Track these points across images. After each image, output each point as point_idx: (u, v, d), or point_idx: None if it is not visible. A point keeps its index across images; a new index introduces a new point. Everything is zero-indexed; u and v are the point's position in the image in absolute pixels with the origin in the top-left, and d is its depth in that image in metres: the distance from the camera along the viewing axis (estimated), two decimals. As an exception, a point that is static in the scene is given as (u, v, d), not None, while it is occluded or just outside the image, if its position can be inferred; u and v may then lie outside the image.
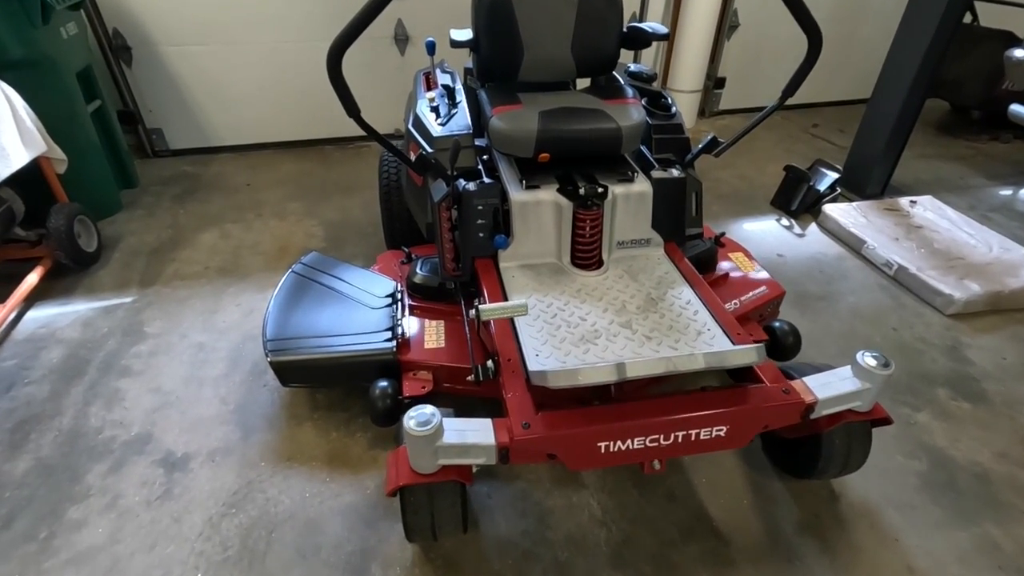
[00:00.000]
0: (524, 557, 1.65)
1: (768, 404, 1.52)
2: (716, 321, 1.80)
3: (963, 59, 4.42)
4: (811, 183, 3.40)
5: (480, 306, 1.49)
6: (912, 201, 3.41)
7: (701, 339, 1.73)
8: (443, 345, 2.03)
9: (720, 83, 4.90)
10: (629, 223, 2.08)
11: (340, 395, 2.17)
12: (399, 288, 2.24)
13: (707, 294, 1.91)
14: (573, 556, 1.66)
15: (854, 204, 3.38)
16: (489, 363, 1.69)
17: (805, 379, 1.59)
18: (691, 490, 1.85)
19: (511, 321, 1.80)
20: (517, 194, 1.99)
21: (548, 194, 2.00)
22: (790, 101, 2.00)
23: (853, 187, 3.66)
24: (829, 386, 1.57)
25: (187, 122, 4.03)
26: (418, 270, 2.24)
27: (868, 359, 1.55)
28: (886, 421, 1.64)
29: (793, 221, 3.42)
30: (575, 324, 1.78)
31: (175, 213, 3.39)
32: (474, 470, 1.60)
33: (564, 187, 2.02)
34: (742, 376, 1.67)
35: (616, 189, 2.03)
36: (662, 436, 1.48)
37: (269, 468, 1.90)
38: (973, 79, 4.45)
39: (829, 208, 3.33)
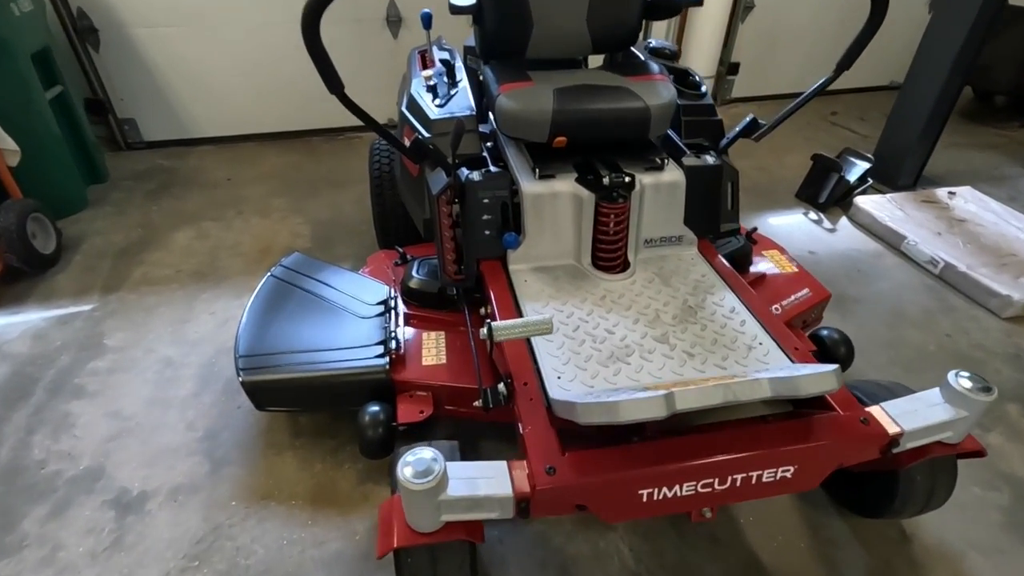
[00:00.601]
0: (545, 619, 1.38)
1: (844, 438, 1.25)
2: (767, 332, 1.53)
3: (992, 42, 4.15)
4: (842, 173, 3.13)
5: (492, 323, 1.21)
6: (951, 192, 3.14)
7: (753, 355, 1.46)
8: (444, 361, 1.75)
9: (734, 69, 4.60)
10: (659, 218, 1.80)
11: (326, 418, 1.88)
12: (393, 294, 1.95)
13: (752, 300, 1.64)
14: (603, 618, 1.39)
15: (887, 196, 3.11)
16: (500, 387, 1.41)
17: (884, 405, 1.32)
18: (738, 531, 1.58)
19: (527, 338, 1.52)
20: (529, 185, 1.71)
21: (566, 185, 1.72)
22: (804, 88, 1.76)
23: (884, 178, 3.39)
24: (915, 415, 1.29)
25: (162, 112, 3.72)
26: (414, 273, 1.96)
27: (963, 381, 1.28)
28: (978, 453, 1.37)
29: (822, 215, 3.15)
30: (601, 339, 1.50)
31: (147, 211, 3.09)
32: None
33: (583, 177, 1.74)
34: (808, 401, 1.40)
35: (644, 179, 1.74)
36: (716, 480, 1.20)
37: (241, 509, 1.61)
38: (1004, 63, 4.18)
39: (861, 200, 3.06)
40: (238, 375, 1.67)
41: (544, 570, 1.48)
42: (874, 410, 1.31)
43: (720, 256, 1.83)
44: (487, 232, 1.76)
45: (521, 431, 1.26)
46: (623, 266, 1.77)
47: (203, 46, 3.55)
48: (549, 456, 1.18)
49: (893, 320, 2.37)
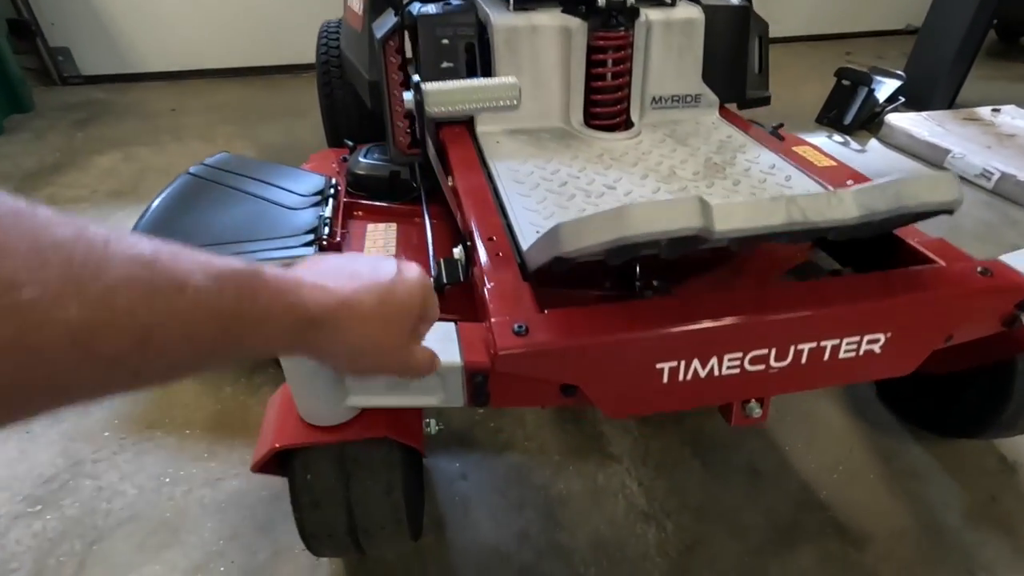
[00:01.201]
0: (521, 577, 0.97)
1: (958, 293, 0.84)
2: (825, 188, 1.13)
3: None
4: (871, 87, 2.73)
5: (424, 84, 0.80)
6: (995, 109, 2.75)
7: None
8: (394, 253, 1.34)
9: None
10: (670, 69, 1.39)
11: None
12: (333, 183, 1.54)
13: (800, 161, 1.23)
14: (606, 574, 0.98)
15: (924, 114, 2.72)
16: (457, 251, 1.01)
17: (1008, 257, 0.91)
18: (783, 461, 1.17)
19: (492, 184, 1.11)
20: (502, 18, 1.30)
21: (549, 17, 1.31)
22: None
23: (914, 103, 3.00)
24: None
25: (102, 41, 3.29)
26: (361, 158, 1.55)
27: None
28: None
29: (848, 137, 2.76)
30: (599, 193, 1.10)
31: (71, 137, 2.66)
32: (431, 430, 0.91)
33: (572, 6, 1.33)
34: (879, 261, 0.99)
35: (651, 14, 1.34)
36: (773, 351, 0.80)
37: (115, 441, 1.20)
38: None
39: (894, 119, 2.67)
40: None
41: (521, 513, 1.07)
42: (994, 264, 0.90)
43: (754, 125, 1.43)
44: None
45: (481, 290, 0.85)
46: (625, 125, 1.37)
47: (145, -37, 3.14)
48: (519, 313, 0.77)
49: (952, 236, 1.95)
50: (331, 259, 0.50)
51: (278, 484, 1.10)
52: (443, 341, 0.74)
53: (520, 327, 0.74)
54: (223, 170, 1.68)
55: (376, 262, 0.50)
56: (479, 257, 0.91)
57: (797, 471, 1.15)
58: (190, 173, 1.66)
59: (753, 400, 0.87)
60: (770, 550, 1.02)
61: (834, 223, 0.73)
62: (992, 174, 2.23)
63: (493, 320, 0.75)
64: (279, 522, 1.05)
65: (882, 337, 0.82)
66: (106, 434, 1.21)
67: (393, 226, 1.44)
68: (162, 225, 1.43)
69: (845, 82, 2.81)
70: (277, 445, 0.72)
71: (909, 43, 3.13)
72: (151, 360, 0.32)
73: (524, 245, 0.93)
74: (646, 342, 0.75)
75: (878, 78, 2.95)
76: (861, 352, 0.83)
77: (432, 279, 1.06)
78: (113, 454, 1.17)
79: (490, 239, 0.95)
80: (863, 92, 2.73)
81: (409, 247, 1.39)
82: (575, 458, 1.17)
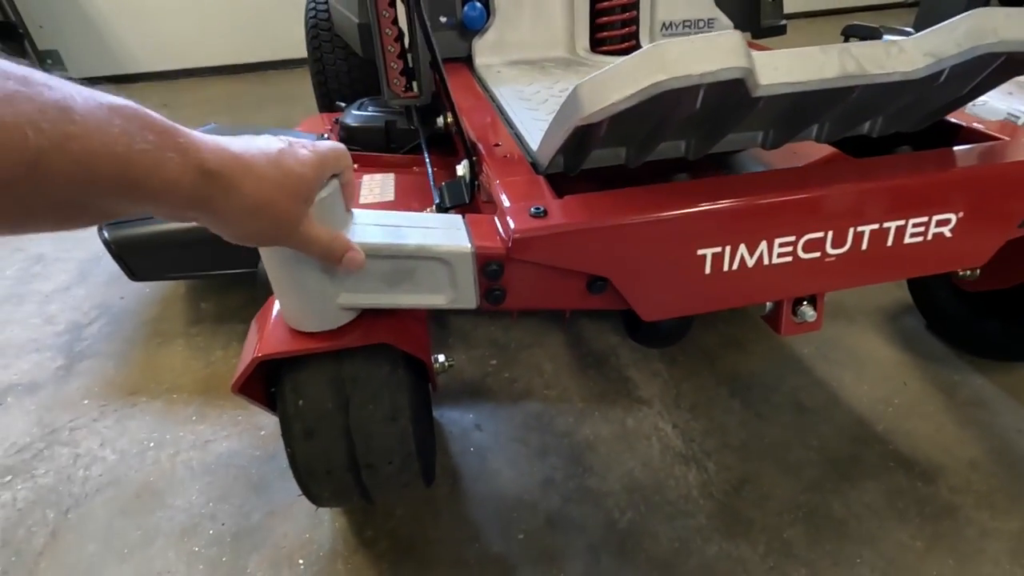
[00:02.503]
0: (550, 527, 0.85)
1: (1036, 165, 0.73)
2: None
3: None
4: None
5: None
6: (1012, 60, 2.65)
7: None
8: (392, 199, 1.24)
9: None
10: (680, -10, 1.30)
11: (240, 300, 1.37)
12: (324, 137, 1.45)
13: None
14: (644, 519, 0.86)
15: (938, 69, 2.62)
16: (461, 167, 0.91)
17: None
18: (831, 396, 1.06)
19: (497, 105, 1.02)
20: (497, -60, 1.22)
21: (548, -64, 1.22)
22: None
23: (924, 61, 2.90)
24: None
25: (92, 42, 3.24)
26: (355, 110, 1.46)
27: None
28: None
29: (860, 96, 2.66)
30: (613, 104, 1.00)
31: (59, 133, 2.59)
32: (439, 366, 0.80)
33: None
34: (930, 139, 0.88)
35: (657, -70, 1.25)
36: (830, 234, 0.69)
37: (95, 408, 1.09)
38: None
39: (907, 74, 2.57)
40: (100, 234, 1.17)
41: (544, 459, 0.96)
42: (1067, 137, 0.80)
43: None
44: (442, 19, 1.27)
45: (491, 187, 0.75)
46: (635, 48, 1.27)
47: (132, -39, 3.10)
48: (535, 198, 0.67)
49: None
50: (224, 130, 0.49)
51: (272, 444, 1.00)
52: (448, 228, 0.64)
53: (538, 209, 0.63)
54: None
55: (271, 138, 0.49)
56: (486, 166, 0.81)
57: (848, 406, 1.04)
58: (176, 141, 1.58)
59: (805, 303, 0.77)
60: (828, 486, 0.90)
61: (896, 76, 0.63)
62: (1018, 116, 2.12)
63: (507, 205, 0.65)
64: (274, 481, 0.94)
65: (953, 218, 0.72)
66: (85, 402, 1.11)
67: (391, 176, 1.35)
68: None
69: (854, 39, 2.72)
70: (260, 355, 0.61)
71: (908, 15, 3.05)
72: (43, 189, 0.31)
73: (534, 147, 0.83)
74: (685, 222, 0.64)
75: (888, 36, 2.87)
76: (930, 236, 0.72)
77: (434, 205, 0.97)
78: (93, 421, 1.06)
79: (496, 145, 0.86)
80: (873, 48, 2.64)
81: (409, 195, 1.30)
82: (600, 404, 1.06)
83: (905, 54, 0.64)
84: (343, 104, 1.66)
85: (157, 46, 3.34)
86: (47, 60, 3.22)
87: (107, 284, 1.46)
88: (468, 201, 0.91)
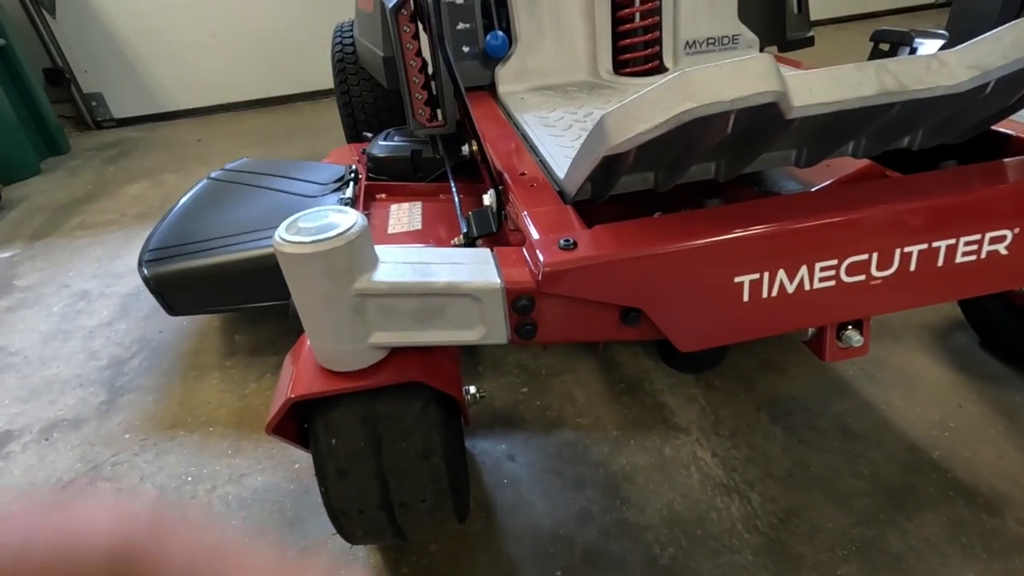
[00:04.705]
0: (588, 563, 0.83)
1: (1097, 176, 0.69)
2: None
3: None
4: (913, 47, 2.57)
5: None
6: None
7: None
8: (419, 228, 1.25)
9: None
10: (702, 8, 1.29)
11: (271, 333, 1.39)
12: (352, 169, 1.48)
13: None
14: (686, 555, 0.83)
15: (974, 71, 2.54)
16: (487, 197, 0.91)
17: None
18: (880, 420, 1.01)
19: (521, 132, 1.02)
20: (517, -32, 1.23)
21: (568, -38, 1.23)
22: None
23: (959, 63, 2.82)
24: None
25: (132, 84, 3.40)
26: (381, 141, 1.49)
27: None
28: None
29: (893, 103, 2.59)
30: (638, 127, 0.99)
31: (103, 172, 2.71)
32: (470, 397, 0.79)
33: None
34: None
35: (677, -50, 1.25)
36: (876, 256, 0.66)
37: (136, 443, 1.12)
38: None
39: (942, 77, 2.49)
40: (140, 270, 1.21)
41: (580, 490, 0.93)
42: None
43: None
44: (465, 48, 1.28)
45: (519, 217, 0.74)
46: (659, 71, 1.26)
47: (170, 7, 3.24)
48: (564, 229, 0.66)
49: None
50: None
51: (306, 478, 1.00)
52: (477, 263, 0.63)
53: (568, 241, 0.62)
54: (243, 171, 1.65)
55: None
56: (512, 196, 0.81)
57: (899, 431, 0.99)
58: (211, 178, 1.63)
59: (850, 327, 0.73)
60: (883, 518, 0.85)
61: (939, 91, 0.60)
62: (1065, 117, 2.03)
63: (536, 237, 0.64)
64: (308, 517, 0.94)
65: (1008, 234, 0.68)
66: (126, 436, 1.13)
67: (418, 204, 1.36)
68: (179, 227, 1.39)
69: (883, 46, 2.64)
70: (293, 396, 0.62)
71: (939, 16, 2.97)
72: None
73: (560, 175, 0.82)
74: (721, 249, 0.62)
75: (919, 39, 2.79)
76: (983, 255, 0.68)
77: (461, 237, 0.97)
78: (134, 455, 1.08)
79: (522, 174, 0.85)
80: (904, 53, 2.57)
81: (436, 223, 1.30)
82: (636, 432, 1.03)
83: (947, 68, 0.62)
84: (369, 135, 1.69)
85: (192, 85, 3.48)
86: (92, 102, 3.39)
87: (147, 319, 1.50)
88: (496, 230, 0.90)
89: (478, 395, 0.80)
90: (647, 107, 0.57)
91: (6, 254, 1.95)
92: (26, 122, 2.75)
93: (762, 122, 0.60)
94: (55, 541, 0.22)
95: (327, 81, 2.28)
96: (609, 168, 0.69)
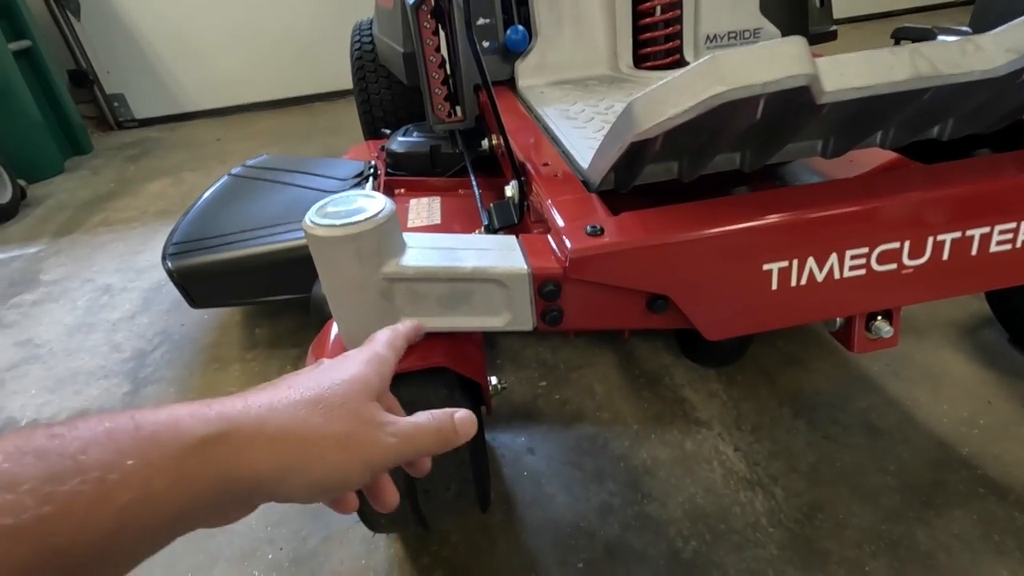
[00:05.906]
0: (610, 557, 0.82)
1: None
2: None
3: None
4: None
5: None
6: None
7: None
8: (438, 222, 1.26)
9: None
10: (725, 1, 1.28)
11: (291, 326, 1.40)
12: (372, 165, 1.49)
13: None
14: (710, 549, 0.82)
15: (998, 67, 2.50)
16: (509, 188, 0.91)
17: None
18: (906, 416, 0.99)
19: (543, 125, 1.02)
20: (537, -38, 1.23)
21: (588, -45, 1.23)
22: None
23: (983, 61, 2.77)
24: None
25: (153, 85, 3.46)
26: (400, 136, 1.49)
27: None
28: None
29: (914, 100, 2.55)
30: (661, 119, 0.98)
31: (124, 170, 2.76)
32: (495, 389, 0.79)
33: None
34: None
35: (698, -57, 1.24)
36: (907, 244, 0.65)
37: (159, 433, 1.13)
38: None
39: (965, 74, 2.45)
40: (164, 263, 1.23)
41: (600, 483, 0.93)
42: None
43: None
44: (485, 43, 1.28)
45: (543, 207, 0.74)
46: (679, 65, 1.26)
47: (190, 8, 3.29)
48: (589, 216, 0.66)
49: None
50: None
51: (328, 467, 1.00)
52: (503, 249, 0.63)
53: (595, 227, 0.62)
54: (264, 168, 1.67)
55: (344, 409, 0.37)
56: (536, 186, 0.80)
57: (926, 427, 0.97)
58: (231, 174, 1.65)
59: (880, 318, 0.72)
60: (911, 515, 0.83)
61: (975, 75, 0.59)
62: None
63: (562, 224, 0.64)
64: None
65: (1043, 222, 0.67)
66: (150, 426, 1.15)
67: (437, 199, 1.36)
68: (201, 222, 1.41)
69: (905, 42, 2.62)
70: (319, 380, 0.62)
71: (961, 14, 2.93)
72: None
73: (584, 165, 0.82)
74: (749, 236, 0.62)
75: (941, 36, 2.75)
76: (1018, 243, 0.67)
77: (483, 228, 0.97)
78: (157, 445, 1.10)
79: (545, 164, 0.85)
80: (926, 50, 2.54)
81: (455, 217, 1.31)
82: (657, 426, 1.02)
83: (983, 52, 0.60)
84: (388, 131, 1.70)
85: (211, 86, 3.53)
86: (114, 103, 3.45)
87: (169, 312, 1.52)
88: (517, 221, 0.90)
89: (500, 386, 0.80)
90: (676, 91, 0.56)
91: (32, 250, 1.98)
92: (51, 122, 2.81)
93: (791, 108, 0.59)
94: None
95: (343, 82, 2.29)
96: (635, 156, 0.69)
